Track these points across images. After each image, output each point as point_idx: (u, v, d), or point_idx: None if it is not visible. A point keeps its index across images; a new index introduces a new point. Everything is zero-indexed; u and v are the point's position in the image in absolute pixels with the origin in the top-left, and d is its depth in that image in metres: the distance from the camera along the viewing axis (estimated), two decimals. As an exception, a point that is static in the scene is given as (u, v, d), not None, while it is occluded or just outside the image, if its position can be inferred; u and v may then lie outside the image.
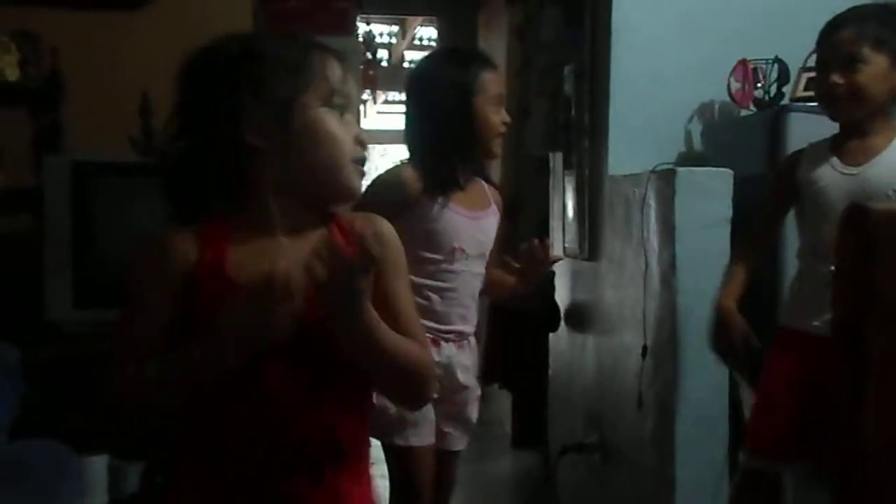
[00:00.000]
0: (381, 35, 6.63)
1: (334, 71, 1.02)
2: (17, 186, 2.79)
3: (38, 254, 2.53)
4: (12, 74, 2.82)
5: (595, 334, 2.77)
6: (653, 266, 2.27)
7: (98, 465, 2.44)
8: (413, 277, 1.56)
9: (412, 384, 1.01)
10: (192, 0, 2.98)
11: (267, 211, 0.99)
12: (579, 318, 2.93)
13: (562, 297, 3.06)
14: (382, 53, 6.73)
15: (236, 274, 0.96)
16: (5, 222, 2.83)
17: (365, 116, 6.20)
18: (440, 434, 1.78)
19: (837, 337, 1.12)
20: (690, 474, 2.16)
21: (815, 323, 1.77)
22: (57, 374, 2.44)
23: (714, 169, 2.21)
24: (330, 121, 1.00)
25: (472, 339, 1.84)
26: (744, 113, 2.46)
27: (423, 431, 1.72)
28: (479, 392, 1.87)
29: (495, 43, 4.18)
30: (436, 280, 1.74)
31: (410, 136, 1.82)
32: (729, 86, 2.45)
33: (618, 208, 2.55)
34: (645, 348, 2.28)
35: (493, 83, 1.78)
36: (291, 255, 0.97)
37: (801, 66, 2.35)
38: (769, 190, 1.97)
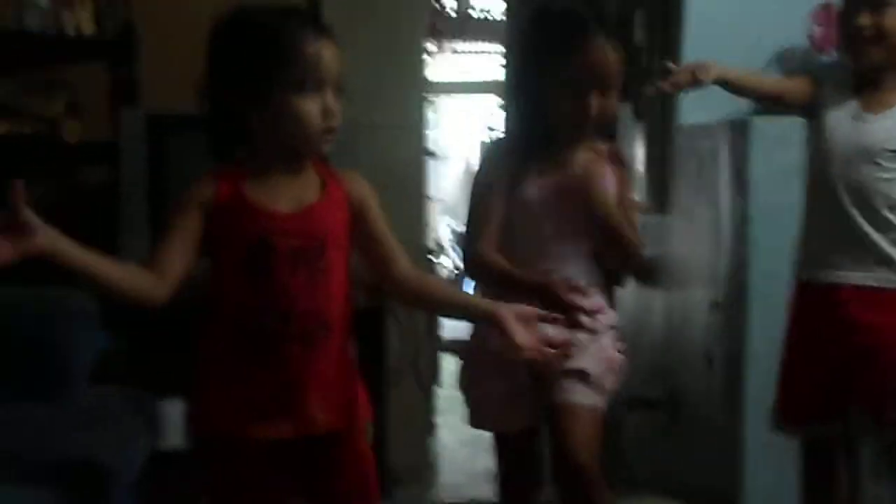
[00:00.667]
0: (448, -15, 6.54)
1: (309, 54, 1.26)
2: (95, 139, 2.87)
3: (115, 205, 2.61)
4: (88, 28, 2.88)
5: (663, 289, 2.73)
6: (724, 219, 2.21)
7: (174, 409, 2.54)
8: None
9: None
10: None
11: (267, 158, 1.31)
12: (648, 272, 2.89)
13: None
14: (450, 2, 6.65)
15: (251, 199, 1.29)
16: (83, 174, 2.92)
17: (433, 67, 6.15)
18: (548, 389, 1.58)
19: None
20: (759, 431, 2.12)
21: (839, 273, 1.76)
22: (132, 322, 2.53)
23: (790, 118, 2.13)
24: (297, 104, 1.26)
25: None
26: (825, 58, 2.36)
27: (506, 416, 1.67)
28: (594, 343, 1.62)
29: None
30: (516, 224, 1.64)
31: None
32: (810, 31, 2.35)
33: (689, 159, 2.49)
34: (714, 303, 2.24)
35: (598, 57, 1.58)
36: (287, 189, 1.30)
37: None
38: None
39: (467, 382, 1.73)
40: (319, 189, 1.32)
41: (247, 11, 1.30)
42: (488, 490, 2.03)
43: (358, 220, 1.35)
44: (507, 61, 1.81)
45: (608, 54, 1.58)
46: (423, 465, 3.02)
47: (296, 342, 1.28)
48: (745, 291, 2.12)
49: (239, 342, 1.29)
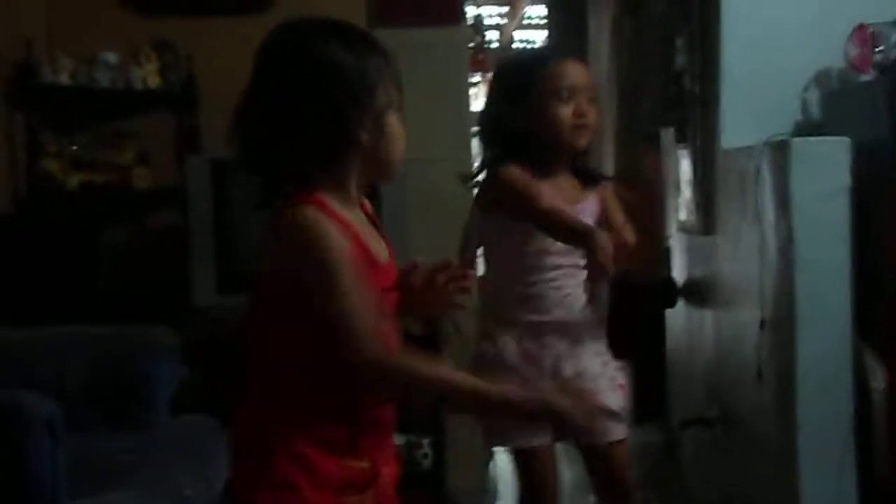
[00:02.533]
0: (489, 16, 6.67)
1: (400, 77, 1.24)
2: (163, 184, 3.05)
3: (184, 245, 2.76)
4: (153, 82, 3.07)
5: (713, 309, 2.77)
6: (769, 239, 2.26)
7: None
8: (514, 268, 1.63)
9: None
10: (311, 1, 3.14)
11: (349, 188, 1.21)
12: (697, 292, 2.93)
13: (678, 272, 3.06)
14: (492, 34, 6.78)
15: (372, 250, 1.20)
16: (154, 218, 3.09)
17: (476, 98, 6.27)
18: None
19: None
20: (813, 447, 2.15)
21: None
22: (206, 354, 2.67)
23: (830, 138, 2.17)
24: (398, 125, 1.23)
25: (586, 325, 1.78)
26: (863, 78, 2.40)
27: (523, 432, 1.71)
28: (613, 380, 1.78)
29: (604, 18, 4.17)
30: (534, 270, 1.73)
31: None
32: (847, 51, 2.39)
33: (732, 181, 2.54)
34: (763, 321, 2.28)
35: (557, 76, 1.72)
36: (370, 234, 1.22)
37: (924, 26, 2.26)
38: None
39: None
40: (378, 237, 1.25)
41: (353, 43, 1.22)
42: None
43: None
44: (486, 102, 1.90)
45: (569, 68, 1.72)
46: (481, 489, 3.08)
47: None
48: (793, 310, 2.15)
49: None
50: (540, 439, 1.74)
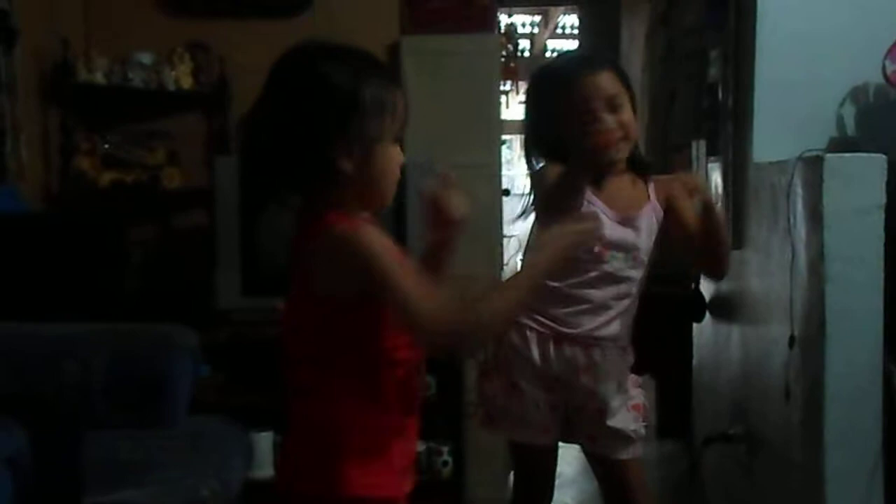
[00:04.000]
0: (522, 25, 6.68)
1: (403, 106, 1.23)
2: (193, 185, 3.07)
3: (211, 246, 2.78)
4: (186, 83, 3.09)
5: (741, 324, 2.73)
6: (800, 255, 2.22)
7: (265, 441, 2.66)
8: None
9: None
10: (343, 4, 3.16)
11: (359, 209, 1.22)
12: (725, 307, 2.89)
13: (707, 286, 3.03)
14: (524, 43, 6.78)
15: None
16: (182, 218, 3.12)
17: (507, 107, 6.27)
18: (591, 438, 1.75)
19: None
20: (841, 468, 2.10)
21: None
22: (228, 356, 2.68)
23: (865, 154, 2.13)
24: (395, 157, 1.23)
25: (614, 346, 1.75)
26: (900, 93, 2.35)
27: (529, 429, 1.71)
28: (628, 401, 1.76)
29: (637, 29, 4.15)
30: (569, 281, 1.70)
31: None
32: (884, 66, 2.35)
33: (763, 196, 2.50)
34: (792, 338, 2.24)
35: (586, 95, 1.70)
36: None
37: (963, 43, 2.22)
38: None
39: (497, 385, 1.72)
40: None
41: (347, 67, 1.22)
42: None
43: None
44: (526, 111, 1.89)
45: (597, 81, 1.70)
46: (501, 498, 3.06)
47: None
48: (822, 327, 2.11)
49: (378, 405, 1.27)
50: (544, 438, 1.72)
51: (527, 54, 6.69)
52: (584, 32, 5.14)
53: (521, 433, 1.72)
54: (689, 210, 1.78)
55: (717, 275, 1.81)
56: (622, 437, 1.75)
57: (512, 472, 1.86)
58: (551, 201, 1.68)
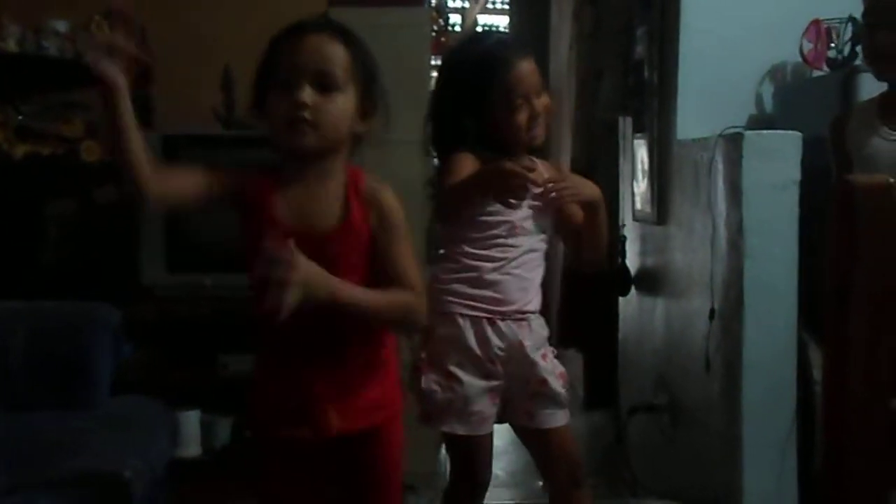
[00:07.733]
0: (453, 0, 6.64)
1: (289, 52, 1.36)
2: (113, 158, 2.96)
3: (134, 222, 2.70)
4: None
5: (664, 297, 2.80)
6: (720, 229, 2.28)
7: (191, 420, 2.61)
8: (471, 249, 1.62)
9: (401, 324, 1.48)
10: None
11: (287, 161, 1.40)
12: (649, 281, 2.96)
13: (632, 260, 3.09)
14: (455, 18, 6.75)
15: (279, 209, 1.37)
16: (102, 193, 3.01)
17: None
18: (528, 414, 1.75)
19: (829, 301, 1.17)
20: (758, 436, 2.19)
21: None
22: (152, 334, 2.61)
23: (782, 132, 2.20)
24: (273, 100, 1.36)
25: (537, 318, 1.78)
26: (816, 74, 2.43)
27: (470, 421, 1.71)
28: (557, 368, 1.78)
29: (566, 6, 4.17)
30: (492, 253, 1.71)
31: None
32: (801, 46, 2.42)
33: (686, 172, 2.56)
34: (713, 311, 2.31)
35: (509, 85, 1.71)
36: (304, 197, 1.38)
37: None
38: (833, 159, 1.97)
39: (432, 378, 1.71)
40: (340, 210, 1.39)
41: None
42: (494, 496, 2.09)
43: (374, 247, 1.40)
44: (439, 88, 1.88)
45: (519, 71, 1.72)
46: (433, 472, 3.08)
47: (311, 354, 1.39)
48: (741, 299, 2.18)
49: (263, 352, 1.47)
50: (484, 428, 1.74)
51: (458, 29, 6.66)
52: (514, 7, 5.15)
53: (462, 427, 1.71)
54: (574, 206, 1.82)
55: (594, 265, 1.84)
56: (558, 403, 1.77)
57: (444, 450, 1.86)
58: (481, 189, 1.66)
